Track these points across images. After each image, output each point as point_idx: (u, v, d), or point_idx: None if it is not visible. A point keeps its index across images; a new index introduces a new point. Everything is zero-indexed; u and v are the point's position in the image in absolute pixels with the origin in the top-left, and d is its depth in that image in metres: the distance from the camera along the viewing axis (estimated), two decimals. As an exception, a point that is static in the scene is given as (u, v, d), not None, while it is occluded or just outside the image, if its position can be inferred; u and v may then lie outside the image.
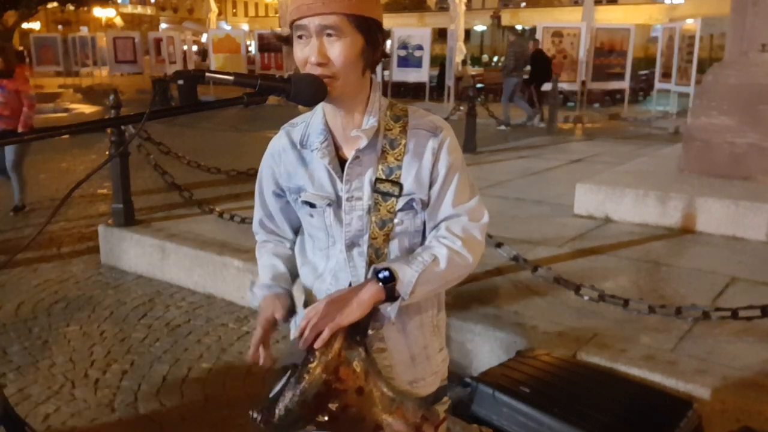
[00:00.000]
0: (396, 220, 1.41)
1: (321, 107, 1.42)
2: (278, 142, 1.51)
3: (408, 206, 1.41)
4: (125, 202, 4.93)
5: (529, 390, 2.30)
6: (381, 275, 1.34)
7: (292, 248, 1.60)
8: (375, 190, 1.39)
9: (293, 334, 1.52)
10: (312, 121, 1.45)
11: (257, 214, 1.61)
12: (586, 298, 3.33)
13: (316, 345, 1.29)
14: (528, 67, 13.71)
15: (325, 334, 1.29)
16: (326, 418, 1.29)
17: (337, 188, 1.42)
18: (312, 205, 1.45)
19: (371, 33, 1.32)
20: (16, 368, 3.34)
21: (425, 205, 1.43)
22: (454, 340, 3.18)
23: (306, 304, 1.52)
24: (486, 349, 3.09)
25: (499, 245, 3.78)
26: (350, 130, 1.40)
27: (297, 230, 1.58)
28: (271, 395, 1.33)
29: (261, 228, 1.62)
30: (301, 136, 1.45)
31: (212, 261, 4.30)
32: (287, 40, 1.35)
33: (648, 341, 2.95)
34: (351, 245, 1.43)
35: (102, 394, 3.10)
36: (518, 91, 13.46)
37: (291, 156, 1.47)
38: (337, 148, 1.43)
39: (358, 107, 1.39)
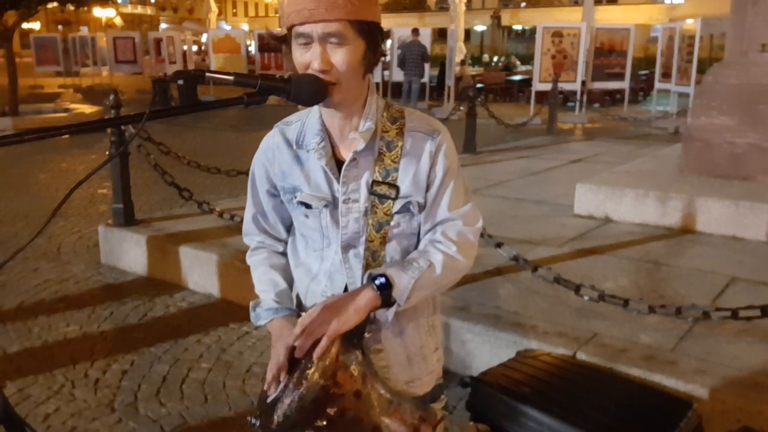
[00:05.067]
0: (393, 223, 1.40)
1: (317, 106, 1.40)
2: (272, 140, 1.49)
3: (404, 209, 1.40)
4: (125, 202, 4.93)
5: (529, 390, 2.30)
6: (377, 282, 1.33)
7: (285, 252, 1.57)
8: (372, 192, 1.38)
9: None
10: (308, 121, 1.44)
11: (249, 212, 1.58)
12: (586, 298, 3.33)
13: (316, 354, 1.27)
14: None
15: (324, 343, 1.28)
16: (324, 423, 1.29)
17: (333, 189, 1.41)
18: (308, 206, 1.43)
19: (372, 36, 1.31)
20: (16, 368, 3.34)
21: (422, 207, 1.42)
22: (454, 340, 3.18)
23: (298, 308, 1.51)
24: (486, 349, 3.09)
25: (499, 245, 3.79)
26: (347, 131, 1.39)
27: (289, 229, 1.56)
28: (268, 401, 1.33)
29: (254, 227, 1.58)
30: (297, 136, 1.44)
31: (212, 261, 4.30)
32: (285, 40, 1.33)
33: (648, 341, 2.95)
34: (347, 247, 1.42)
35: (102, 394, 3.09)
36: None
37: (286, 155, 1.45)
38: (333, 149, 1.41)
39: (355, 109, 1.38)
